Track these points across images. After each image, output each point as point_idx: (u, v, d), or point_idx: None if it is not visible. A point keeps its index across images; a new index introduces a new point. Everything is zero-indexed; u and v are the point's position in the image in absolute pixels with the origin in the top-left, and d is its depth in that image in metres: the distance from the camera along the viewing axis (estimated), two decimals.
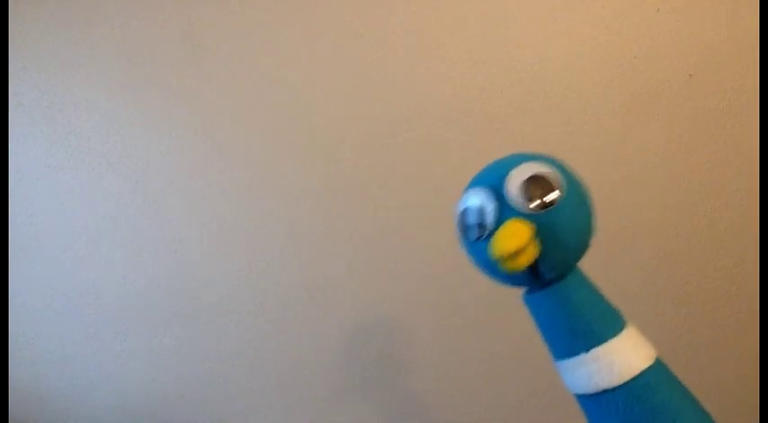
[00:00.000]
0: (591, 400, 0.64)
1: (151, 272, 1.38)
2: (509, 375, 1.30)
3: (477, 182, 0.67)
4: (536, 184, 0.61)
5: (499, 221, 0.61)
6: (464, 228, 0.66)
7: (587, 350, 0.63)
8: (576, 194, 0.64)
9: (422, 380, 1.33)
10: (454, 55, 1.22)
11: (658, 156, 1.17)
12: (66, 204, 1.40)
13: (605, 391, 0.62)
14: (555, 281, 0.66)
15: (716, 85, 1.13)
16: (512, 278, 0.67)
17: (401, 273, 1.29)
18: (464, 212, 0.66)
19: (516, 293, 1.25)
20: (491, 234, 0.62)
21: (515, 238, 0.58)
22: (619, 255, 1.19)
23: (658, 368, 0.63)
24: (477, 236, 0.64)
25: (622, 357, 0.62)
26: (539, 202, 0.61)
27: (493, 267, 0.65)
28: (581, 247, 0.66)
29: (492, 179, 0.64)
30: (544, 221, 0.61)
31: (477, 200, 0.64)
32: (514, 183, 0.62)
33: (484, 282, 1.26)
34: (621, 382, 0.61)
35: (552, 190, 0.61)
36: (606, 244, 1.19)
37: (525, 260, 0.59)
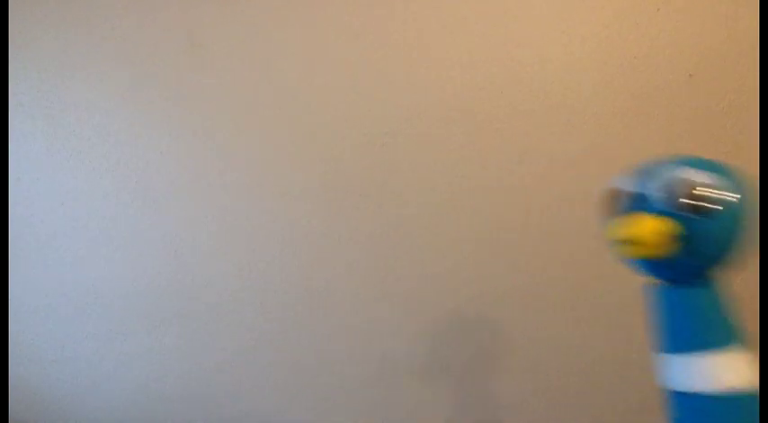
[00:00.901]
0: (684, 399, 0.68)
1: (151, 272, 1.38)
2: (510, 375, 1.29)
3: (646, 171, 0.69)
4: (700, 191, 0.63)
5: (643, 210, 0.65)
6: (617, 206, 0.69)
7: (699, 352, 0.66)
8: (735, 214, 0.65)
9: (422, 380, 1.33)
10: (454, 55, 1.22)
11: (658, 155, 1.17)
12: (67, 204, 1.40)
13: (701, 395, 0.65)
14: (692, 284, 0.68)
15: (716, 85, 1.13)
16: (650, 268, 0.69)
17: (401, 273, 1.29)
18: (625, 191, 0.69)
19: (515, 294, 1.25)
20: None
21: (635, 228, 0.62)
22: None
23: (753, 394, 0.66)
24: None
25: (728, 370, 0.65)
26: (694, 206, 0.63)
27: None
28: (724, 261, 0.68)
29: (661, 172, 0.67)
30: (694, 227, 0.63)
31: (640, 185, 0.67)
32: (679, 182, 0.64)
33: (484, 282, 1.26)
34: (720, 392, 0.64)
35: (715, 201, 0.63)
36: (606, 244, 1.19)
37: (641, 251, 0.63)
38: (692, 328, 0.68)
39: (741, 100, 1.13)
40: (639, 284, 1.19)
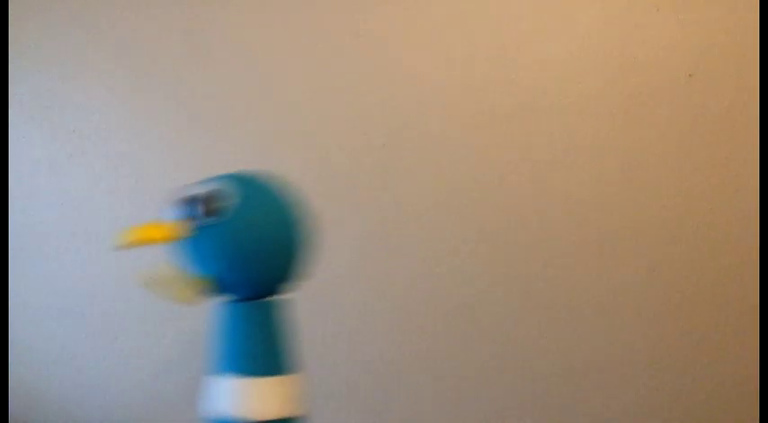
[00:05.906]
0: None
1: None
2: (509, 376, 1.29)
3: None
4: (206, 199, 0.68)
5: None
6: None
7: (240, 376, 0.67)
8: (247, 213, 0.68)
9: (422, 380, 1.33)
10: (454, 55, 1.22)
11: (658, 156, 1.17)
12: (66, 204, 1.40)
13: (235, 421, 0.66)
14: (256, 298, 0.70)
15: (716, 85, 1.13)
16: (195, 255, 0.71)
17: (401, 273, 1.29)
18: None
19: (516, 294, 1.25)
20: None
21: (137, 232, 0.70)
22: (618, 255, 1.19)
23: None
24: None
25: (262, 398, 0.67)
26: (206, 211, 0.67)
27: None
28: (265, 270, 0.70)
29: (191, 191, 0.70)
30: (203, 229, 0.67)
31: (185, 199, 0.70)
32: (191, 195, 0.69)
33: (484, 282, 1.26)
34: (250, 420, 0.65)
35: (215, 206, 0.67)
36: (606, 244, 1.19)
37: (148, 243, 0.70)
38: (240, 348, 0.69)
39: (741, 100, 1.13)
40: (638, 285, 1.19)
